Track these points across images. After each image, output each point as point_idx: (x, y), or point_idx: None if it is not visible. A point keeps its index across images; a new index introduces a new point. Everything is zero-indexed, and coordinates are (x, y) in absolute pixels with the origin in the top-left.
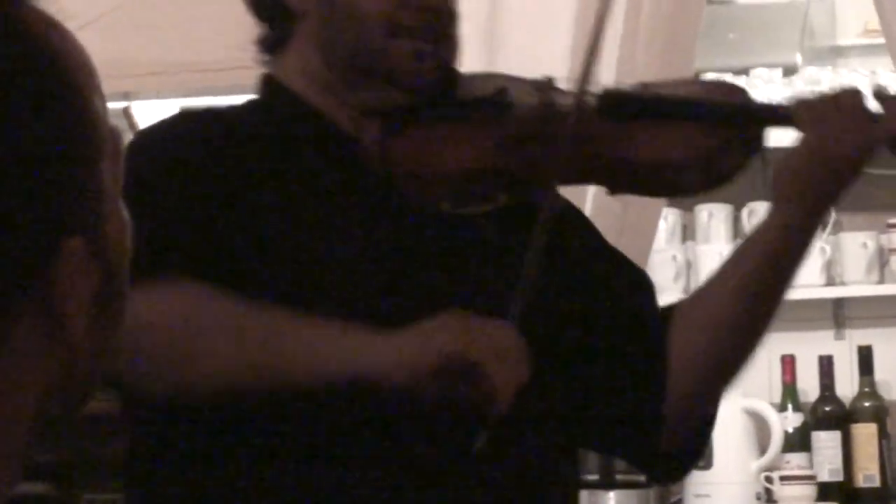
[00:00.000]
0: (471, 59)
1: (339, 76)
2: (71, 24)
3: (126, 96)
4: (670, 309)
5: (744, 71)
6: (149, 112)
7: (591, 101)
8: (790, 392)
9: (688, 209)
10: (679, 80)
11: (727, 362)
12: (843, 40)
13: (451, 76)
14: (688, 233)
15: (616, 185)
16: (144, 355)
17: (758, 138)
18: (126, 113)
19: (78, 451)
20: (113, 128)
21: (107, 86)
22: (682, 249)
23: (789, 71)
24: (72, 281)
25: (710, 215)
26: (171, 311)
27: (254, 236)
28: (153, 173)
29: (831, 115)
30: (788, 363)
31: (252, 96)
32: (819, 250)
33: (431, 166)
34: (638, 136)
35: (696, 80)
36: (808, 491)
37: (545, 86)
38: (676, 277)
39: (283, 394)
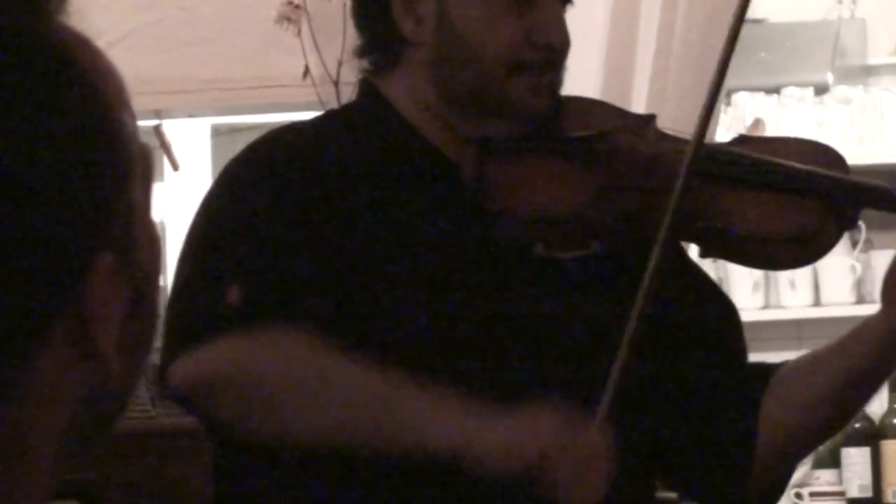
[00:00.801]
0: None
1: (452, 109)
2: (101, 42)
3: (157, 114)
4: (768, 370)
5: (775, 90)
6: (180, 130)
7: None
8: None
9: None
10: (778, 139)
11: (814, 439)
12: (874, 59)
13: (558, 105)
14: None
15: (708, 250)
16: (261, 402)
17: (854, 219)
18: (157, 131)
19: (105, 470)
20: (144, 146)
21: (137, 104)
22: None
23: (820, 90)
24: (103, 299)
25: None
26: (285, 363)
27: (351, 259)
28: (259, 200)
29: None
30: None
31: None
32: (850, 268)
33: (527, 207)
34: (737, 205)
35: (795, 140)
36: None
37: (647, 126)
38: (754, 289)
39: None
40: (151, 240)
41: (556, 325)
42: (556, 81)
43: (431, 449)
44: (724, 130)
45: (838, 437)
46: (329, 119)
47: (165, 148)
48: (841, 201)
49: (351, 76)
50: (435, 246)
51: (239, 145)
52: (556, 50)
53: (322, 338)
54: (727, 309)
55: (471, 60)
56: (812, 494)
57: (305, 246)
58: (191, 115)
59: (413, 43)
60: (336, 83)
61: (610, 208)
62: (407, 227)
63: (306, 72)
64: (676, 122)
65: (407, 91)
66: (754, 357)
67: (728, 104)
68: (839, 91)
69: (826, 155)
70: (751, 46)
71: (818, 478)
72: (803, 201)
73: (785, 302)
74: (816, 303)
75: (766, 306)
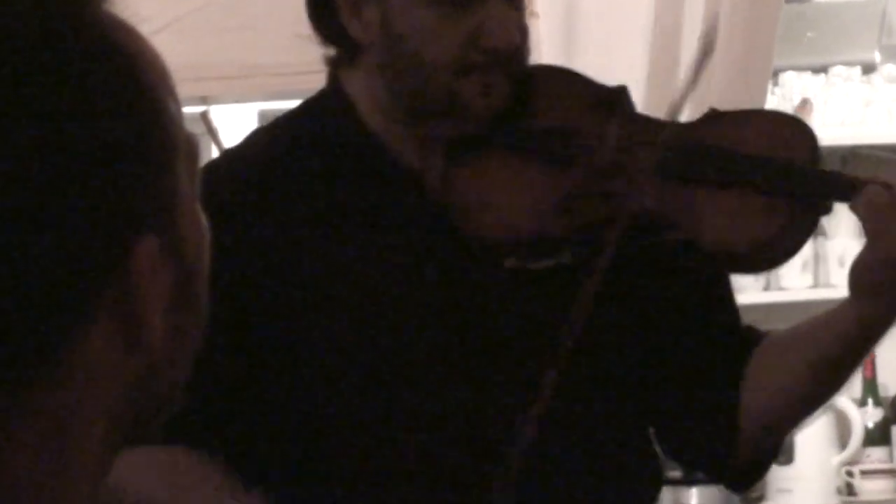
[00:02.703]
0: (548, 59)
1: (404, 110)
2: (147, 29)
3: (204, 100)
4: (756, 340)
5: (822, 69)
6: (227, 116)
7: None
8: (871, 387)
9: None
10: (747, 114)
11: (794, 414)
12: None
13: (521, 101)
14: None
15: (673, 260)
16: None
17: (824, 208)
18: (204, 117)
19: None
20: (189, 133)
21: (183, 90)
22: None
23: (868, 69)
24: (148, 281)
25: None
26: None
27: (304, 277)
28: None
29: (892, 219)
30: (869, 359)
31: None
32: None
33: (495, 229)
34: (701, 212)
35: (765, 116)
36: (890, 484)
37: (614, 107)
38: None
39: None
40: (197, 226)
41: (534, 333)
42: (511, 78)
43: None
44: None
45: (889, 415)
46: (283, 132)
47: (212, 134)
48: (814, 196)
49: None
50: (400, 260)
51: None
52: (502, 53)
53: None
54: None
55: (415, 65)
56: (863, 472)
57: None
58: (237, 101)
59: (364, 45)
60: None
61: (576, 218)
62: (367, 244)
63: None
64: (723, 99)
65: (365, 90)
66: None
67: (775, 84)
68: (887, 69)
69: (793, 126)
70: (798, 26)
71: (869, 456)
72: (775, 201)
73: (834, 280)
74: None
75: (816, 286)
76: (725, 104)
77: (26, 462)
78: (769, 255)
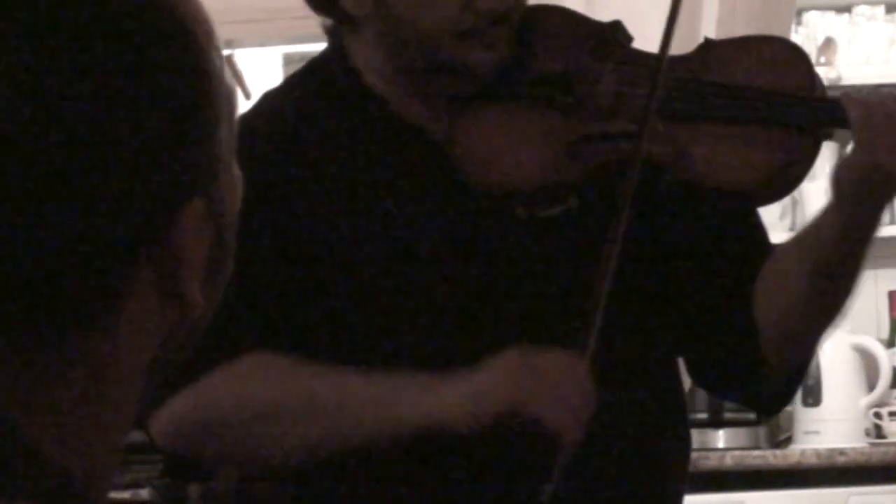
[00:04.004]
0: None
1: (409, 78)
2: None
3: (229, 44)
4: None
5: (846, 8)
6: (251, 59)
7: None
8: None
9: None
10: (741, 42)
11: (806, 328)
12: None
13: (520, 44)
14: None
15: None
16: (242, 434)
17: (829, 134)
18: (229, 61)
19: None
20: (230, 87)
21: None
22: None
23: (892, 7)
24: (192, 243)
25: None
26: (250, 395)
27: (325, 234)
28: None
29: (884, 127)
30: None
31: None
32: None
33: (502, 180)
34: (704, 149)
35: (759, 43)
36: None
37: (610, 42)
38: (783, 215)
39: (354, 452)
40: (234, 184)
41: (545, 280)
42: (511, 29)
43: (410, 429)
44: None
45: None
46: (294, 96)
47: (237, 77)
48: (814, 124)
49: None
50: (413, 214)
51: None
52: (498, 13)
53: (288, 354)
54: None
55: (414, 34)
56: (891, 414)
57: (270, 255)
58: (262, 44)
59: (359, 18)
60: None
61: (582, 163)
62: (381, 201)
63: None
64: None
65: (367, 54)
66: None
67: (799, 24)
68: None
69: (788, 50)
70: None
71: None
72: (775, 133)
73: None
74: None
75: (794, 229)
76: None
77: (70, 406)
78: (775, 188)
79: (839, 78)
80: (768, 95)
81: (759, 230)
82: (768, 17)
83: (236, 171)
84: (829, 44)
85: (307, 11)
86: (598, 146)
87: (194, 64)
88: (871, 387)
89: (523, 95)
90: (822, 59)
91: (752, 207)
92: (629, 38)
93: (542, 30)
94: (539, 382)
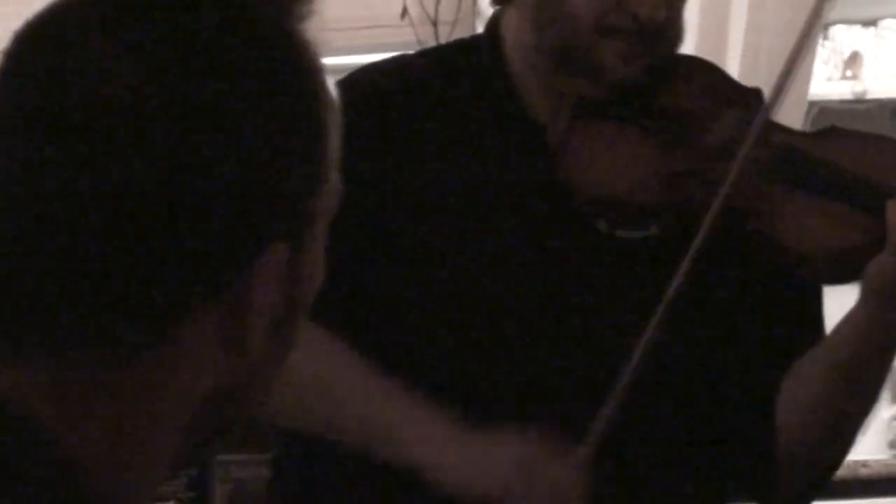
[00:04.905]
0: None
1: (544, 60)
2: None
3: None
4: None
5: (872, 22)
6: None
7: (764, 154)
8: None
9: None
10: (867, 136)
11: (825, 432)
12: None
13: (658, 79)
14: None
15: (751, 258)
16: (289, 400)
17: None
18: None
19: None
20: (336, 170)
21: None
22: None
23: None
24: (266, 288)
25: None
26: (315, 371)
27: (413, 210)
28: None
29: None
30: None
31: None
32: None
33: (598, 183)
34: (792, 214)
35: (884, 142)
36: None
37: (742, 106)
38: None
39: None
40: (320, 256)
41: (609, 298)
42: (652, 54)
43: (398, 456)
44: (822, 63)
45: None
46: (424, 59)
47: None
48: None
49: (449, 15)
50: (499, 203)
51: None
52: (642, 21)
53: (335, 337)
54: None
55: (561, 16)
56: None
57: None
58: None
59: None
60: (434, 23)
61: (677, 194)
62: (472, 180)
63: (404, 11)
64: (772, 53)
65: (515, 33)
66: None
67: (825, 38)
68: None
69: None
70: None
71: None
72: (864, 218)
73: None
74: None
75: None
76: (774, 58)
77: (114, 424)
78: (842, 265)
79: (865, 92)
80: (868, 183)
81: (813, 324)
82: (796, 30)
83: (323, 251)
84: (855, 57)
85: (335, 24)
86: (693, 183)
87: (314, 121)
88: (895, 398)
89: (643, 121)
90: (849, 73)
91: (808, 277)
92: (764, 106)
93: (685, 73)
94: (535, 492)
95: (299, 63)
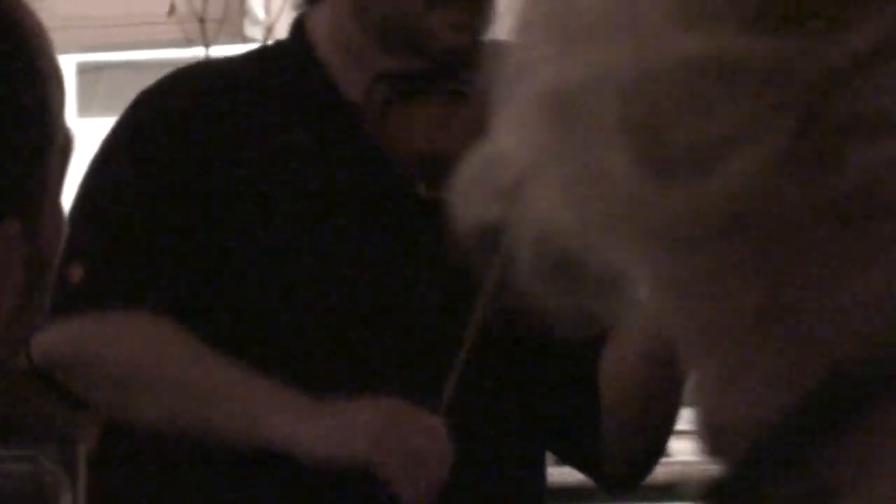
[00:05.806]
0: None
1: (371, 42)
2: None
3: None
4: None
5: None
6: None
7: None
8: None
9: None
10: None
11: (640, 413)
12: None
13: (478, 49)
14: None
15: None
16: (104, 384)
17: None
18: None
19: None
20: (68, 128)
21: None
22: None
23: None
24: (4, 264)
25: None
26: (132, 350)
27: (236, 205)
28: (123, 170)
29: None
30: None
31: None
32: None
33: (409, 146)
34: None
35: None
36: None
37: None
38: None
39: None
40: (58, 217)
41: (437, 271)
42: (481, 21)
43: (260, 440)
44: None
45: None
46: (234, 62)
47: None
48: None
49: (217, 13)
50: (324, 186)
51: (104, 83)
52: None
53: (169, 323)
54: None
55: None
56: None
57: (167, 220)
58: (57, 52)
59: None
60: (202, 20)
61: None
62: (294, 175)
63: (172, 9)
64: None
65: (329, 25)
66: None
67: None
68: None
69: None
70: None
71: None
72: None
73: None
74: None
75: None
76: None
77: None
78: None
79: None
80: None
81: None
82: None
83: (61, 210)
84: None
85: (101, 21)
86: None
87: (32, 94)
88: None
89: (462, 94)
90: None
91: None
92: None
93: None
94: (400, 449)
95: (22, 34)
